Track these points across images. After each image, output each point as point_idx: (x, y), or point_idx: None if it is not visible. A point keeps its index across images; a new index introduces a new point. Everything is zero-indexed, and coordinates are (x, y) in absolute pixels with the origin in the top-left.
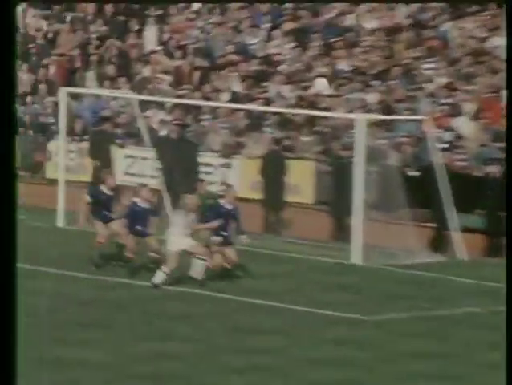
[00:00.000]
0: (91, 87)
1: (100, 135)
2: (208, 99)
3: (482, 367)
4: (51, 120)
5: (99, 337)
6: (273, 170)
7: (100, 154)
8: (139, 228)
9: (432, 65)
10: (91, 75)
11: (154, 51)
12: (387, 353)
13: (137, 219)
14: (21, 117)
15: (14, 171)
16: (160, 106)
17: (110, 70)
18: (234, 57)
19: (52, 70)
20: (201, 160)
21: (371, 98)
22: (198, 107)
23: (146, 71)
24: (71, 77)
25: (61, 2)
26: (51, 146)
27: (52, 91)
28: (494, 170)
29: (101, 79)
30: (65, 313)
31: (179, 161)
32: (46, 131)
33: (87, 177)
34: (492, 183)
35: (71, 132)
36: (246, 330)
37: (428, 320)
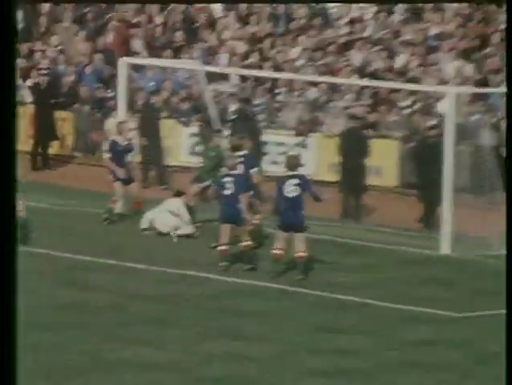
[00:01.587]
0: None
1: (149, 111)
2: (281, 70)
3: None
4: (110, 95)
5: (163, 335)
6: (352, 150)
7: (149, 131)
8: None
9: None
10: (139, 44)
11: (223, 16)
12: (479, 353)
13: None
14: (76, 91)
15: (13, 151)
16: (227, 78)
17: (175, 37)
18: (311, 23)
19: (110, 38)
20: (274, 138)
21: (464, 69)
22: (270, 80)
23: (214, 39)
24: (130, 46)
25: (62, 2)
26: (109, 124)
27: (111, 62)
28: None
29: (165, 48)
30: (126, 308)
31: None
32: (103, 107)
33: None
34: None
35: (131, 108)
36: (325, 329)
37: None
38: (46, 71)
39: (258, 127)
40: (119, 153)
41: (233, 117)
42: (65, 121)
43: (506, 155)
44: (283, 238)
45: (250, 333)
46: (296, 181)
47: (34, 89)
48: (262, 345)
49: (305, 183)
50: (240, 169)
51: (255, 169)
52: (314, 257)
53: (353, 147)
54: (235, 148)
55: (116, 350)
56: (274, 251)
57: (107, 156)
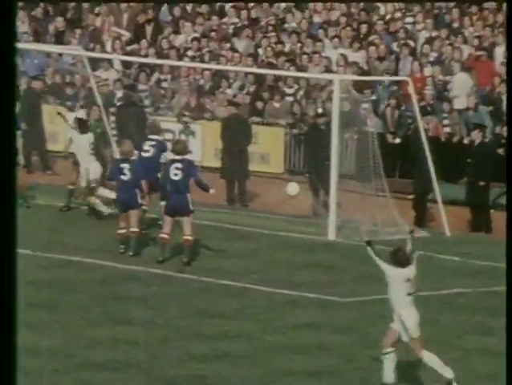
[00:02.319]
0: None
1: (30, 95)
2: (165, 56)
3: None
4: None
5: (46, 319)
6: (234, 136)
7: (30, 116)
8: None
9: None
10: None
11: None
12: (365, 336)
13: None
14: None
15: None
16: (111, 64)
17: (58, 22)
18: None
19: None
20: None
21: (351, 56)
22: (155, 66)
23: (98, 23)
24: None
25: (61, 2)
26: None
27: None
28: (479, 136)
29: (48, 33)
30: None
31: (128, 128)
32: None
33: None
34: (475, 150)
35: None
36: (209, 314)
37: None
38: None
39: (144, 113)
40: None
41: (119, 104)
42: None
43: (506, 154)
44: (169, 222)
45: (135, 318)
46: (180, 165)
47: None
48: (147, 330)
49: (189, 167)
50: (150, 153)
51: (165, 153)
52: (200, 243)
53: (235, 134)
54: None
55: None
56: (161, 235)
57: None
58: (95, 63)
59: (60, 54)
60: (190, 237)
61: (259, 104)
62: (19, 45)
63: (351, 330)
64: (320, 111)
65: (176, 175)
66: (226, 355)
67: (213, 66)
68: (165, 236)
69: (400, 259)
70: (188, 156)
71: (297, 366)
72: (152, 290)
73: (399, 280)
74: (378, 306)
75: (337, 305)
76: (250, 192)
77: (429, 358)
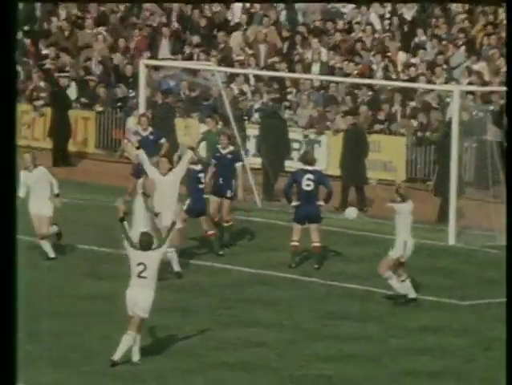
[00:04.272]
0: (167, 57)
1: (164, 109)
2: (294, 71)
3: None
4: (131, 94)
5: (178, 322)
6: (353, 146)
7: (165, 129)
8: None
9: None
10: (165, 45)
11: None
12: (484, 339)
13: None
14: (98, 93)
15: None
16: (246, 79)
17: (194, 39)
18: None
19: (131, 38)
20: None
21: (476, 66)
22: (284, 80)
23: (231, 41)
24: (151, 47)
25: (63, 2)
26: (130, 122)
27: (131, 63)
28: None
29: (182, 49)
30: None
31: (270, 138)
32: (124, 107)
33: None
34: None
35: (151, 106)
36: (334, 316)
37: None
38: (64, 74)
39: (286, 124)
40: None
41: (260, 115)
42: (88, 120)
43: (507, 153)
44: (299, 230)
45: (264, 320)
46: (312, 176)
47: (52, 90)
48: (275, 332)
49: (321, 178)
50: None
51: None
52: (327, 248)
53: (354, 143)
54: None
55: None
56: (292, 243)
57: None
58: (229, 77)
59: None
60: (319, 244)
61: (381, 114)
62: (156, 62)
63: (471, 332)
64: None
65: (308, 185)
66: (351, 356)
67: (336, 78)
68: (296, 243)
69: (401, 196)
70: (317, 167)
71: (419, 367)
72: (280, 294)
73: (406, 212)
74: (497, 309)
75: (457, 309)
76: (372, 199)
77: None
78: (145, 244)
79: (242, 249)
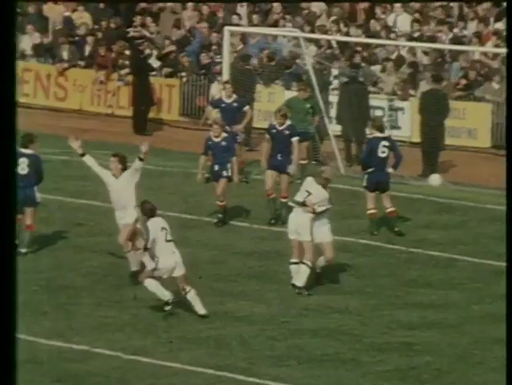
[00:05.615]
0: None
1: (243, 75)
2: (376, 37)
3: None
4: (216, 60)
5: (260, 289)
6: (432, 110)
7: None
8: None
9: None
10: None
11: None
12: None
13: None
14: (179, 60)
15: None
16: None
17: (275, 6)
18: None
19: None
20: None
21: None
22: (365, 46)
23: (314, 7)
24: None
25: (66, 2)
26: (214, 89)
27: (215, 30)
28: None
29: (265, 16)
30: (226, 264)
31: (350, 105)
32: (208, 74)
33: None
34: None
35: (233, 73)
36: (416, 284)
37: None
38: (144, 41)
39: (366, 90)
40: (225, 110)
41: (344, 81)
42: (172, 88)
43: (507, 154)
44: (373, 197)
45: (346, 287)
46: (387, 143)
47: (134, 58)
48: (358, 298)
49: (394, 144)
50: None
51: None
52: (405, 215)
53: (433, 107)
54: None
55: (216, 303)
56: (369, 212)
57: (215, 112)
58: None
59: (275, 37)
60: (393, 208)
61: (463, 81)
62: (238, 29)
63: None
64: None
65: (383, 152)
66: (433, 324)
67: (423, 44)
68: (372, 211)
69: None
70: (395, 133)
71: (502, 334)
72: (363, 260)
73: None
74: None
75: None
76: (457, 166)
77: None
78: (146, 211)
79: None
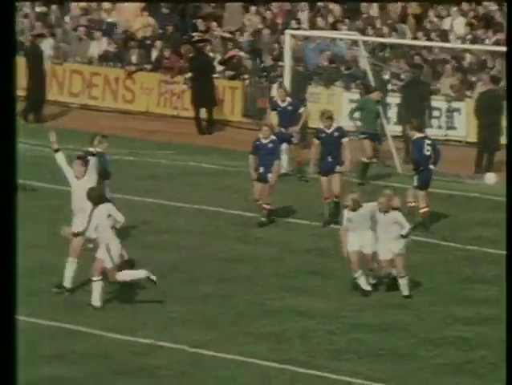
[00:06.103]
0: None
1: (298, 78)
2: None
3: None
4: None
5: (319, 285)
6: (488, 110)
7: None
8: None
9: None
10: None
11: None
12: None
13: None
14: (244, 63)
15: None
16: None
17: (334, 10)
18: None
19: (276, 11)
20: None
21: None
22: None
23: (372, 11)
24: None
25: (65, 1)
26: (274, 91)
27: (276, 34)
28: None
29: (326, 20)
30: (284, 260)
31: (411, 104)
32: (269, 76)
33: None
34: None
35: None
36: (472, 280)
37: None
38: (204, 44)
39: (429, 90)
40: (281, 113)
41: (406, 82)
42: (235, 90)
43: (507, 155)
44: (423, 196)
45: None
46: (430, 142)
47: (197, 60)
48: (414, 295)
49: (434, 142)
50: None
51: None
52: (461, 213)
53: (489, 108)
54: None
55: (278, 298)
56: (410, 204)
57: (273, 115)
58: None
59: (334, 39)
60: (428, 208)
61: None
62: (301, 32)
63: None
64: None
65: (428, 151)
66: (488, 319)
67: (469, 46)
68: (413, 204)
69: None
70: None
71: None
72: (419, 258)
73: None
74: None
75: None
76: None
77: None
78: (94, 197)
79: None
